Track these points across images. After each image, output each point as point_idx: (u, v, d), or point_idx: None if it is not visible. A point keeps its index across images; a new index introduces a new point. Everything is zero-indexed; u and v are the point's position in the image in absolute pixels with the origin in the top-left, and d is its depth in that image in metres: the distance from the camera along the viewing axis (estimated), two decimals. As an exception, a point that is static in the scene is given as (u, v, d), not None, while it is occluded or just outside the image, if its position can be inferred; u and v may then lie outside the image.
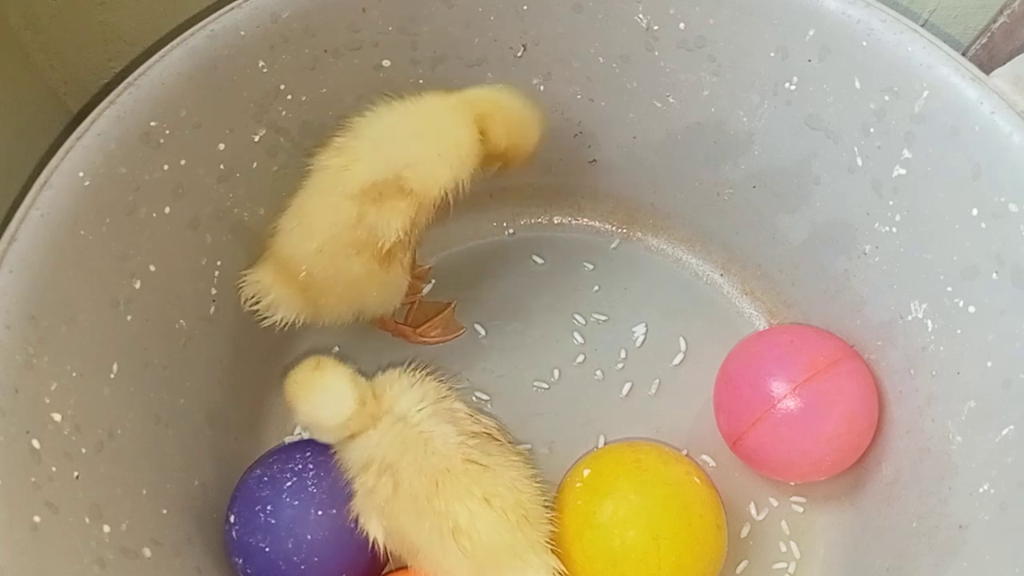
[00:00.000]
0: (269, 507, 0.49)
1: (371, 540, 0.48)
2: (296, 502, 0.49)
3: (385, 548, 0.48)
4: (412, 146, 0.49)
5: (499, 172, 0.55)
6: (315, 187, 0.50)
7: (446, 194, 0.49)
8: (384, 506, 0.47)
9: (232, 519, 0.50)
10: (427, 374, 0.51)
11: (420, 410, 0.48)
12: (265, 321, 0.52)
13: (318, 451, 0.51)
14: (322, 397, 0.48)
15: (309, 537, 0.48)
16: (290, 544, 0.48)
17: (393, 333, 0.63)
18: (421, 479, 0.46)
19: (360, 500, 0.48)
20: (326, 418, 0.48)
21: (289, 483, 0.50)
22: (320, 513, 0.49)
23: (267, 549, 0.49)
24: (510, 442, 0.51)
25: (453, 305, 0.65)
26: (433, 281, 0.66)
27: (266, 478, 0.51)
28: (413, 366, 0.51)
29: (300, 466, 0.51)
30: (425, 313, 0.64)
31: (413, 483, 0.46)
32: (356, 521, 0.48)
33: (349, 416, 0.47)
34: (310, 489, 0.49)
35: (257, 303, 0.52)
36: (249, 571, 0.49)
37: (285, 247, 0.51)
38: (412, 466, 0.47)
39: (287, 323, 0.52)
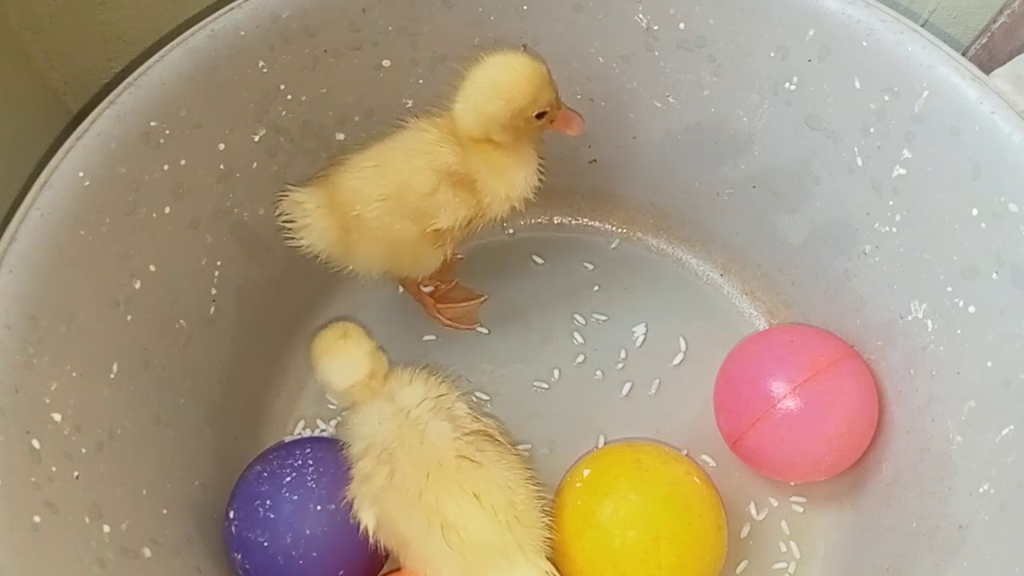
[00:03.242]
0: (268, 502, 0.49)
1: (363, 529, 0.48)
2: (295, 497, 0.49)
3: (382, 544, 0.48)
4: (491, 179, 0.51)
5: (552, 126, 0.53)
6: (406, 145, 0.51)
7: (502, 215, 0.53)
8: (378, 494, 0.47)
9: (232, 515, 0.50)
10: (434, 375, 0.51)
11: (420, 404, 0.49)
12: (291, 240, 0.52)
13: (318, 447, 0.51)
14: (338, 363, 0.51)
15: (308, 532, 0.49)
16: (289, 539, 0.48)
17: (415, 296, 0.63)
18: (413, 470, 0.47)
19: (356, 485, 0.48)
20: (335, 381, 0.51)
21: (288, 478, 0.50)
22: (319, 508, 0.49)
23: (266, 544, 0.49)
24: (510, 443, 0.51)
25: (482, 299, 0.65)
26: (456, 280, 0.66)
27: (265, 474, 0.51)
28: (422, 366, 0.52)
29: (300, 462, 0.51)
30: (455, 295, 0.64)
31: (406, 474, 0.47)
32: (351, 508, 0.48)
33: (353, 383, 0.50)
34: (309, 484, 0.50)
35: (291, 222, 0.52)
36: (248, 566, 0.49)
37: (350, 181, 0.51)
38: (407, 457, 0.47)
39: (312, 250, 0.52)
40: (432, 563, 0.47)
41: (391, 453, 0.47)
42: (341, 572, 0.50)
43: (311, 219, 0.51)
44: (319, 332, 0.52)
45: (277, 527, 0.49)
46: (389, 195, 0.50)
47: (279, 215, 0.52)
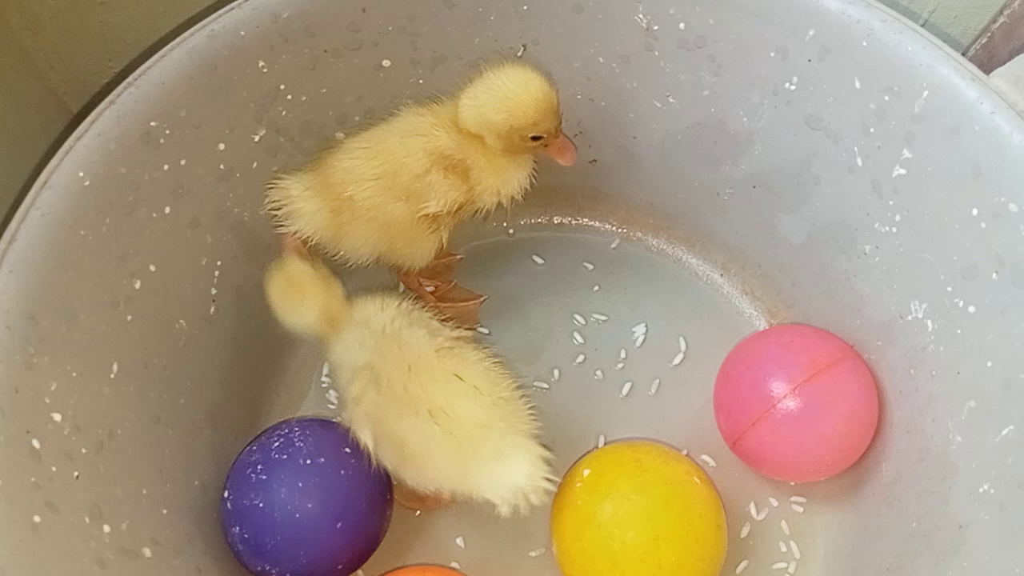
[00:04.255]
0: (259, 466, 0.50)
1: (362, 446, 0.48)
2: (284, 456, 0.50)
3: (389, 485, 0.49)
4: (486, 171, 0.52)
5: (545, 150, 0.53)
6: (401, 127, 0.52)
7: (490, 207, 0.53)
8: (369, 410, 0.48)
9: (226, 494, 0.51)
10: (403, 299, 0.52)
11: (393, 321, 0.50)
12: (280, 228, 0.52)
13: (306, 422, 0.53)
14: (289, 306, 0.51)
15: (300, 484, 0.49)
16: (283, 494, 0.49)
17: (416, 294, 0.63)
18: (396, 372, 0.47)
19: (351, 409, 0.49)
20: (291, 322, 0.51)
21: (277, 443, 0.51)
22: (309, 462, 0.49)
23: (261, 505, 0.49)
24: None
25: (482, 300, 0.65)
26: (455, 281, 0.66)
27: (255, 447, 0.52)
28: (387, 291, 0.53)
29: (287, 430, 0.52)
30: (455, 296, 0.64)
31: (391, 379, 0.47)
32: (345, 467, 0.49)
33: (308, 324, 0.50)
34: (297, 444, 0.50)
35: (278, 208, 0.52)
36: (247, 535, 0.49)
37: (342, 162, 0.51)
38: (388, 363, 0.48)
39: (301, 235, 0.52)
40: (430, 457, 0.47)
41: (373, 368, 0.48)
42: (339, 524, 0.49)
43: (299, 203, 0.52)
44: (270, 273, 0.51)
45: (270, 486, 0.49)
46: (382, 175, 0.50)
47: (268, 203, 0.52)
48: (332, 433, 0.51)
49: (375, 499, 0.51)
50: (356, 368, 0.49)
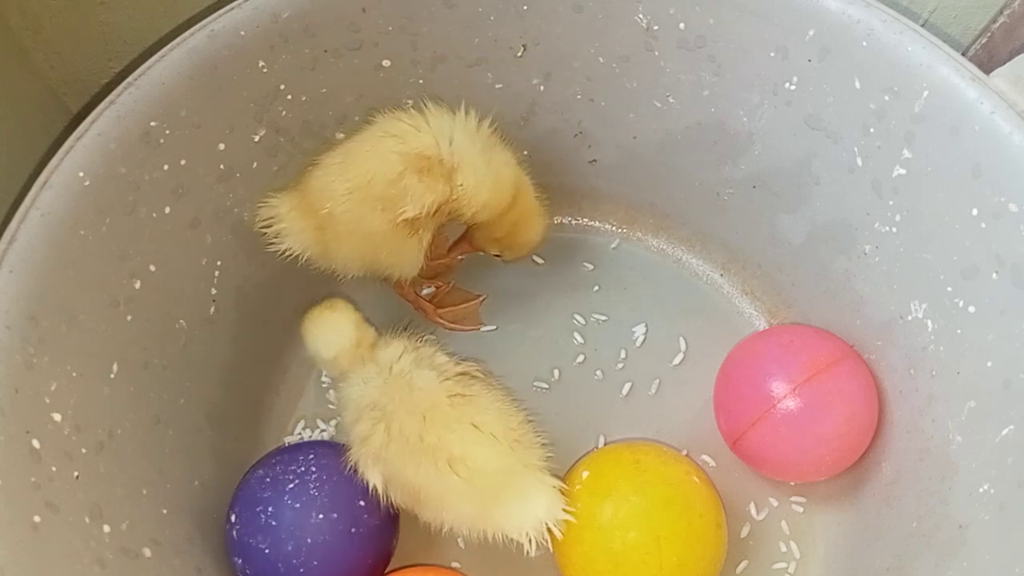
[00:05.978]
0: (270, 508, 0.49)
1: (371, 488, 0.48)
2: (297, 505, 0.49)
3: (396, 533, 0.49)
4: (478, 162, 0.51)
5: (497, 255, 0.59)
6: (373, 135, 0.51)
7: (472, 213, 0.53)
8: (379, 452, 0.47)
9: (233, 519, 0.50)
10: (412, 334, 0.52)
11: (400, 358, 0.50)
12: (272, 246, 0.53)
13: (322, 454, 0.51)
14: (323, 331, 0.52)
15: (309, 540, 0.48)
16: (290, 547, 0.48)
17: (413, 305, 0.63)
18: (410, 419, 0.47)
19: (357, 449, 0.48)
20: (322, 350, 0.52)
21: (291, 485, 0.50)
22: (321, 517, 0.49)
23: (267, 551, 0.48)
24: (492, 383, 0.52)
25: (481, 299, 0.65)
26: (453, 282, 0.66)
27: (268, 479, 0.50)
28: (401, 328, 0.53)
29: (303, 468, 0.50)
30: (453, 298, 0.64)
31: (404, 425, 0.47)
32: (351, 515, 0.48)
33: (339, 351, 0.51)
34: (312, 492, 0.49)
35: (269, 227, 0.53)
36: (248, 571, 0.49)
37: (319, 178, 0.51)
38: (400, 409, 0.48)
39: (293, 253, 0.53)
40: (448, 503, 0.47)
41: (382, 409, 0.48)
42: None
43: (286, 223, 0.52)
44: (308, 312, 0.54)
45: (279, 534, 0.48)
46: (356, 187, 0.50)
47: (259, 223, 0.53)
48: (349, 484, 0.49)
49: (381, 553, 0.51)
50: (362, 406, 0.49)
